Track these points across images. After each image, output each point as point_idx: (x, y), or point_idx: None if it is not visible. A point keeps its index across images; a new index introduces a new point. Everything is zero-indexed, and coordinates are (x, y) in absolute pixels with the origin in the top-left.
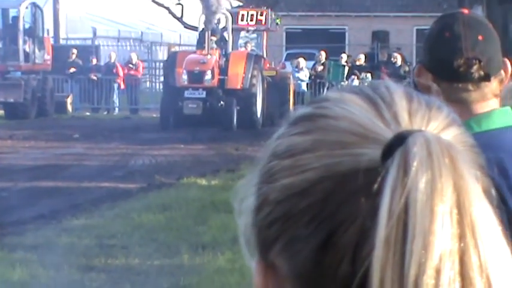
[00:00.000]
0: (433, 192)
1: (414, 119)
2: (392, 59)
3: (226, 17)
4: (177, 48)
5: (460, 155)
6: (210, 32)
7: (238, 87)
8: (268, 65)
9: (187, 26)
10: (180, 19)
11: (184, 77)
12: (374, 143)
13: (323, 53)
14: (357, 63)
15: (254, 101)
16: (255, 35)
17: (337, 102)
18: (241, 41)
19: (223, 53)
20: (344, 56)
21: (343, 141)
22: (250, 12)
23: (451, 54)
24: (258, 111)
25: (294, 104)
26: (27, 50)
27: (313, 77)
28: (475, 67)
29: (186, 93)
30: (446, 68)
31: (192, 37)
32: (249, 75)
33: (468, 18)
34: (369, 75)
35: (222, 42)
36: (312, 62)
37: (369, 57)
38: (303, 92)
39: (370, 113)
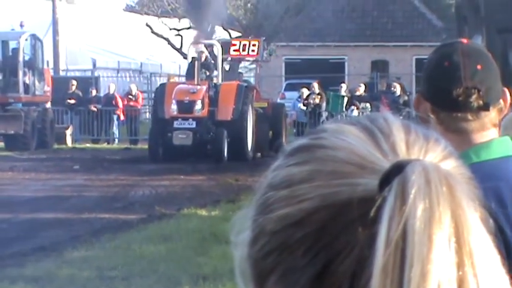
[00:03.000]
0: (431, 220)
1: (412, 150)
2: (391, 88)
3: (217, 47)
4: (176, 79)
5: (459, 184)
6: (199, 62)
7: (229, 118)
8: (260, 96)
9: (186, 57)
10: (179, 50)
11: (174, 107)
12: (371, 172)
13: (315, 84)
14: (357, 93)
15: (245, 132)
16: (254, 65)
17: (335, 133)
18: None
19: (213, 84)
20: (344, 86)
21: (340, 171)
22: (243, 43)
23: (450, 84)
24: (248, 143)
25: (294, 134)
26: (27, 81)
27: (311, 107)
28: (474, 96)
29: (176, 124)
30: (445, 98)
31: None
32: (240, 107)
33: (467, 48)
34: (368, 105)
35: (212, 73)
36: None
37: (368, 87)
38: (304, 122)
39: (368, 144)
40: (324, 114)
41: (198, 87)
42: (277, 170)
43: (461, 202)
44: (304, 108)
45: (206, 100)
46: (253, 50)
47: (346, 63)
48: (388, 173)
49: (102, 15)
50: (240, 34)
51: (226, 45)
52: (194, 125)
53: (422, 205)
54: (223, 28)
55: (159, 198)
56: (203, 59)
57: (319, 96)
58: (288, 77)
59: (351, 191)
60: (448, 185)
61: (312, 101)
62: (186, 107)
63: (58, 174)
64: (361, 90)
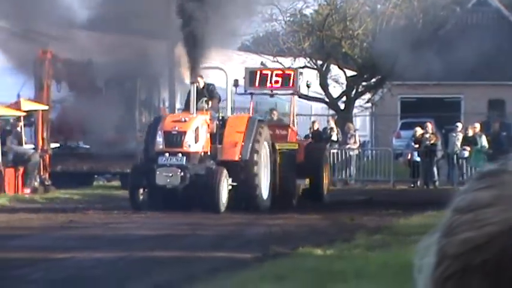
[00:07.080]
0: None
1: None
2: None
3: (225, 75)
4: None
5: None
6: (196, 88)
7: (236, 158)
8: (295, 136)
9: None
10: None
11: (160, 139)
12: None
13: (429, 125)
14: (470, 132)
15: (255, 175)
16: (369, 104)
17: None
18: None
19: (220, 116)
20: (459, 125)
21: None
22: (276, 72)
23: None
24: (262, 188)
25: (410, 174)
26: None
27: (425, 147)
28: None
29: (161, 160)
30: None
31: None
32: (250, 144)
33: None
34: (485, 144)
35: (216, 103)
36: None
37: (484, 126)
38: (417, 162)
39: None
40: (439, 154)
41: (191, 115)
42: (464, 194)
43: None
44: (417, 146)
45: (204, 134)
46: (288, 81)
47: (462, 102)
48: None
49: (216, 54)
50: (355, 73)
51: (252, 75)
52: (183, 161)
53: None
54: (339, 67)
55: (274, 237)
56: (201, 86)
57: (434, 136)
58: (404, 116)
59: None
60: None
61: (427, 141)
62: (173, 140)
63: (173, 212)
64: (476, 129)
